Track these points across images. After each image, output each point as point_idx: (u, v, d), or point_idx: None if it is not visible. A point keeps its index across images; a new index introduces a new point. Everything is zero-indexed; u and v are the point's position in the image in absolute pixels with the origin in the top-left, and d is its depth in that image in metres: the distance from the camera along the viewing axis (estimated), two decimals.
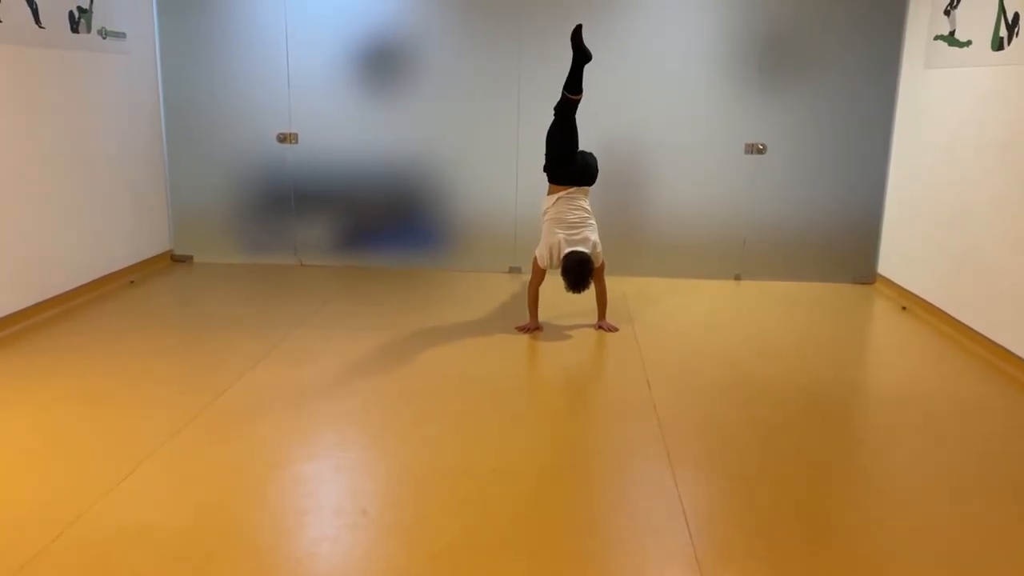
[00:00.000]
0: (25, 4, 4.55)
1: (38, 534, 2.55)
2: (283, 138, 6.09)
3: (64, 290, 5.04)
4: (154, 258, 6.08)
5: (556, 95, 5.87)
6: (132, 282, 5.64)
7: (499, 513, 2.75)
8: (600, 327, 4.81)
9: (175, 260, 6.31)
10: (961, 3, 4.88)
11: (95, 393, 3.70)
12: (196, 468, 3.02)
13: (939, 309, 5.05)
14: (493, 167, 6.05)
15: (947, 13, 5.04)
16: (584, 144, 6.10)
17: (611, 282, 5.94)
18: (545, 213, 4.75)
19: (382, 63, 5.97)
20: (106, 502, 2.75)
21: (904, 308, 5.39)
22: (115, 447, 3.16)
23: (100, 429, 3.33)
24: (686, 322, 5.00)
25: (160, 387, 3.78)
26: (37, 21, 4.67)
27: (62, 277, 5.04)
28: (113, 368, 4.01)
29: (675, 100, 5.87)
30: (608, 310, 4.87)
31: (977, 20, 4.68)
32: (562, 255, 4.54)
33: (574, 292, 4.48)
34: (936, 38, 5.18)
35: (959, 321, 4.80)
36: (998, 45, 4.47)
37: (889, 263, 5.85)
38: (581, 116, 6.04)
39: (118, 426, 3.36)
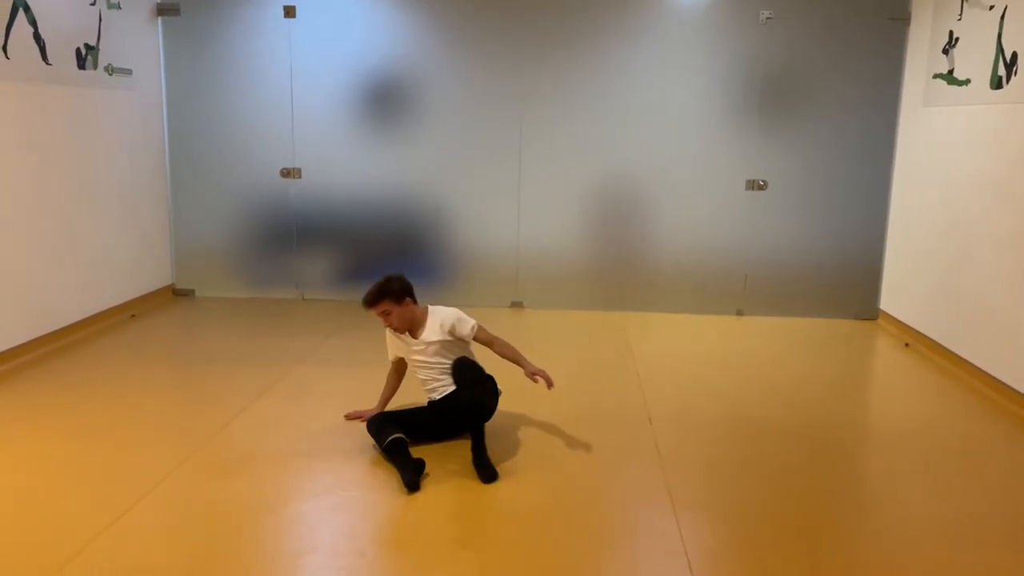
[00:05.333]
0: (33, 42, 4.61)
1: (34, 575, 2.52)
2: (286, 173, 6.12)
3: (65, 324, 5.04)
4: (156, 292, 6.09)
5: (558, 129, 5.93)
6: (133, 316, 5.64)
7: (498, 555, 2.72)
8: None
9: (177, 294, 6.32)
10: (959, 42, 4.92)
11: (93, 429, 3.68)
12: (192, 507, 2.99)
13: (942, 346, 5.02)
14: (495, 202, 6.07)
15: (945, 52, 5.08)
16: (586, 181, 6.17)
17: (612, 317, 5.95)
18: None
19: (384, 100, 6.02)
20: (101, 542, 2.72)
21: (907, 345, 5.37)
22: (111, 485, 3.14)
23: (97, 466, 3.31)
24: (688, 358, 4.98)
25: (158, 423, 3.76)
26: (44, 58, 4.72)
27: (64, 311, 5.04)
28: (112, 404, 3.99)
29: (676, 137, 5.91)
30: (610, 345, 4.84)
31: (975, 59, 4.72)
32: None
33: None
34: (935, 76, 5.22)
35: (962, 358, 4.78)
36: (997, 84, 4.50)
37: (891, 299, 5.84)
38: (584, 152, 6.08)
39: (115, 463, 3.34)
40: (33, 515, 2.90)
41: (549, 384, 3.51)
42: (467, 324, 3.58)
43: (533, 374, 3.54)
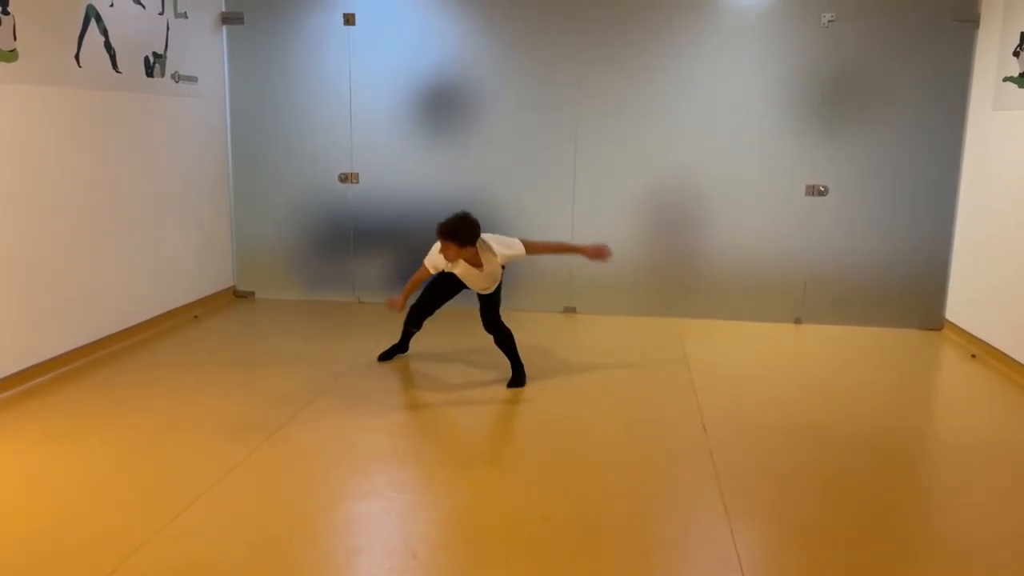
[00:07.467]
0: (104, 50, 4.77)
1: (96, 568, 2.60)
2: (344, 178, 6.22)
3: (132, 324, 5.20)
4: (218, 294, 6.24)
5: (614, 132, 5.90)
6: (196, 317, 5.79)
7: (549, 561, 2.71)
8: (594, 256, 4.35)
9: (238, 296, 6.47)
10: None
11: (156, 427, 3.78)
12: (250, 505, 3.05)
13: (1011, 358, 4.86)
14: (549, 207, 6.07)
15: (1016, 54, 4.92)
16: (642, 186, 6.13)
17: (667, 323, 5.90)
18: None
19: (441, 106, 6.08)
20: (162, 537, 2.79)
21: (974, 356, 5.20)
22: (173, 482, 3.22)
23: (160, 463, 3.40)
24: (744, 366, 4.90)
25: (218, 422, 3.85)
26: (115, 66, 4.88)
27: (131, 311, 5.20)
28: (174, 402, 4.10)
29: (734, 141, 5.83)
30: (664, 351, 4.78)
31: None
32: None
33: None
34: (1005, 79, 5.05)
35: None
36: None
37: (958, 309, 5.67)
38: (640, 156, 6.05)
39: (177, 461, 3.43)
40: (97, 510, 3.00)
41: (604, 256, 4.26)
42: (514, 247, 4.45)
43: (592, 253, 4.29)
